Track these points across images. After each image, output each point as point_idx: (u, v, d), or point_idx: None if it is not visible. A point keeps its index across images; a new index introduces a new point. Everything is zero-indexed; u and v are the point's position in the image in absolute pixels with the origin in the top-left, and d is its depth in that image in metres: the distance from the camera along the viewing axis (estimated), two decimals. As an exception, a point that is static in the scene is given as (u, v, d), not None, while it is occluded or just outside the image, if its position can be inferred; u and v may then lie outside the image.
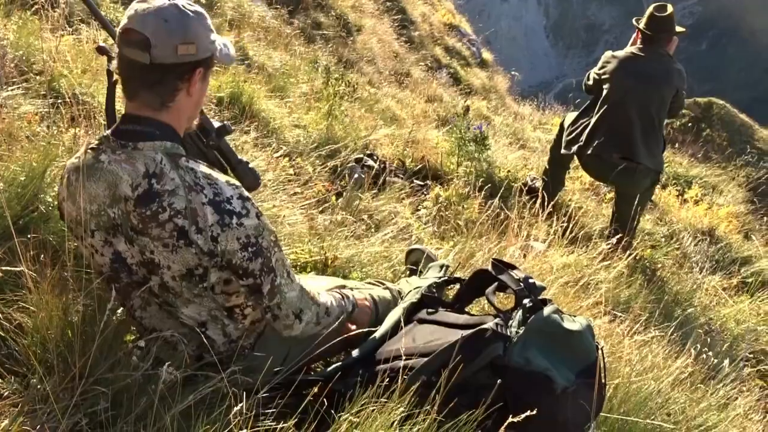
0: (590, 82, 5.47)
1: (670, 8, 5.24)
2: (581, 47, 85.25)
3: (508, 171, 5.91)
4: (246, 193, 1.95)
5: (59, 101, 3.40)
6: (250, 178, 2.40)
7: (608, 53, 5.43)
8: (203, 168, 1.91)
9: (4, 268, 2.00)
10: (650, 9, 5.29)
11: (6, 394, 1.80)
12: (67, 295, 1.95)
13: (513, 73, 13.83)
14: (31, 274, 1.91)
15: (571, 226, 4.68)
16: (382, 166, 5.01)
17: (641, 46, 5.28)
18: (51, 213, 2.37)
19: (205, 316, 2.04)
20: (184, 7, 1.85)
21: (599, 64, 5.41)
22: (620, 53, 5.34)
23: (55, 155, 2.65)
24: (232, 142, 3.95)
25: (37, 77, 3.56)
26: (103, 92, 3.73)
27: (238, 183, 1.97)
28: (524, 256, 3.97)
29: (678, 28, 5.30)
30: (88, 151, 1.87)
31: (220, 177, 1.92)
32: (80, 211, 1.85)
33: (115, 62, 1.91)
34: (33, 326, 1.89)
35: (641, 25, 5.30)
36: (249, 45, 6.49)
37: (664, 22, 5.22)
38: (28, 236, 2.09)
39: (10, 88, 3.28)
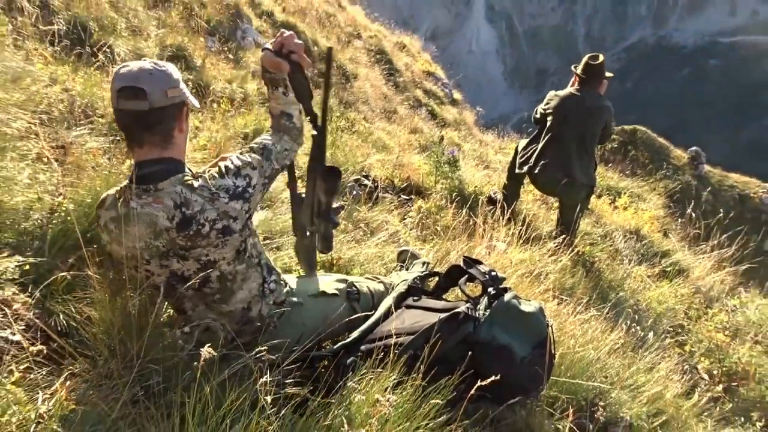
0: (537, 116, 5.46)
1: (601, 58, 5.26)
2: (532, 87, 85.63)
3: (475, 186, 5.89)
4: (233, 165, 1.99)
5: (118, 138, 3.40)
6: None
7: (552, 92, 5.43)
8: (206, 178, 1.93)
9: (74, 272, 2.00)
10: (585, 58, 5.30)
11: (78, 372, 1.80)
12: (126, 293, 1.94)
13: (478, 109, 13.79)
14: (96, 277, 1.91)
15: (525, 229, 4.68)
16: (375, 184, 5.00)
17: (578, 87, 5.28)
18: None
19: (251, 296, 2.09)
20: (157, 63, 1.90)
21: (545, 100, 5.41)
22: (561, 92, 5.33)
23: (116, 181, 2.65)
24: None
25: (100, 119, 3.56)
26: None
27: (224, 165, 1.99)
28: (489, 253, 3.97)
29: (607, 74, 5.30)
30: (117, 202, 1.89)
31: (218, 178, 1.94)
32: (129, 250, 1.87)
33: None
34: (99, 318, 1.88)
35: (578, 71, 5.31)
36: (268, 91, 6.49)
37: (596, 68, 5.22)
38: (94, 246, 2.09)
39: (78, 129, 3.28)
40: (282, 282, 2.27)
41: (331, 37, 10.82)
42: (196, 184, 1.90)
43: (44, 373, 1.76)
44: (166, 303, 2.10)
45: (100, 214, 1.94)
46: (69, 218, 2.22)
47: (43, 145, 2.91)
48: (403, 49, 13.65)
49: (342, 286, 2.50)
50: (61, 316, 1.96)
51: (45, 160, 2.82)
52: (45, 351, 1.81)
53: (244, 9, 8.34)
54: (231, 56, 6.75)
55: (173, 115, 1.91)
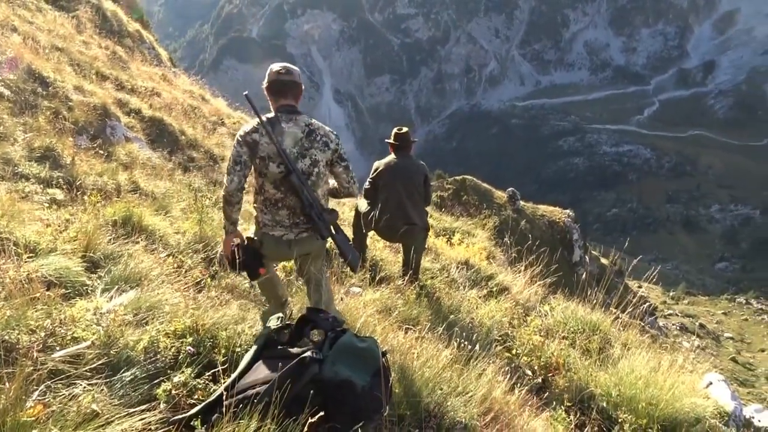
0: (368, 186, 5.50)
1: (405, 128, 5.58)
2: (377, 153, 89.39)
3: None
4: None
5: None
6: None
7: (376, 162, 5.54)
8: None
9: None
10: (394, 130, 5.53)
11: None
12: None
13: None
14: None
15: (376, 273, 4.75)
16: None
17: (395, 154, 5.52)
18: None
19: (318, 198, 3.12)
20: (293, 66, 3.15)
21: (372, 170, 5.50)
22: (384, 161, 5.48)
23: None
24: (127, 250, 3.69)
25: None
26: (14, 230, 3.42)
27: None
28: (342, 299, 3.98)
29: (414, 139, 5.63)
30: (262, 129, 3.00)
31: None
32: (279, 148, 2.95)
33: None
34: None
35: (391, 141, 5.57)
36: (140, 179, 6.16)
37: (403, 136, 5.49)
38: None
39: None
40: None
41: (197, 126, 10.58)
42: (314, 119, 3.16)
43: None
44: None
45: (250, 139, 2.98)
46: None
47: None
48: (264, 132, 13.60)
49: None
50: None
51: None
52: None
53: (112, 108, 7.96)
54: (101, 151, 6.38)
55: (300, 90, 3.11)
